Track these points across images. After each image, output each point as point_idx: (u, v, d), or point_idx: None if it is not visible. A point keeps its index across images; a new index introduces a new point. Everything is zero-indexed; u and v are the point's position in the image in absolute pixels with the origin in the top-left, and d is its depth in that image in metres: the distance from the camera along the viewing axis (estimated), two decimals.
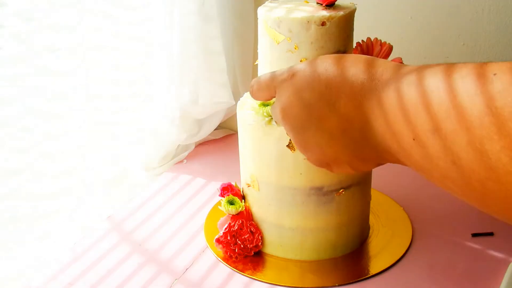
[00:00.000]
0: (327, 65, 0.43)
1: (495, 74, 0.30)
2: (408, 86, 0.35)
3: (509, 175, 0.28)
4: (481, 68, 0.31)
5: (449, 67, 0.34)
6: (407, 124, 0.35)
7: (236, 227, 0.67)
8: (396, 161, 0.39)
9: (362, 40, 0.60)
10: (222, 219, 0.70)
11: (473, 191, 0.31)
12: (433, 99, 0.33)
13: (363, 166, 0.44)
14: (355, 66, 0.41)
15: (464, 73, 0.32)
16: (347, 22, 0.59)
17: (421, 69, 0.36)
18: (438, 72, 0.34)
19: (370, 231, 0.73)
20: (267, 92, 0.50)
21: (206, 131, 0.96)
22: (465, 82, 0.31)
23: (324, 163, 0.47)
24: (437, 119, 0.32)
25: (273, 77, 0.49)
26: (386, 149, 0.38)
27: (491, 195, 0.30)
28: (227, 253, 0.68)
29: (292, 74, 0.46)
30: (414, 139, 0.34)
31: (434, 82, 0.33)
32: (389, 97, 0.37)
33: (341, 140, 0.42)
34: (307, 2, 0.63)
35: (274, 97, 0.50)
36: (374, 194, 0.73)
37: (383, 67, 0.40)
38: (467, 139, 0.30)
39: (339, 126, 0.41)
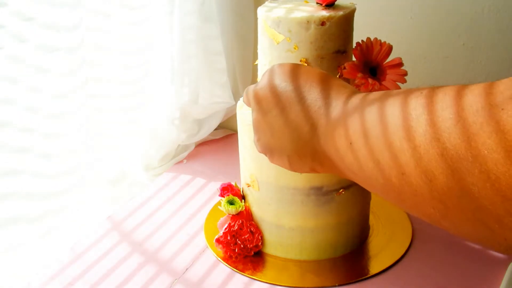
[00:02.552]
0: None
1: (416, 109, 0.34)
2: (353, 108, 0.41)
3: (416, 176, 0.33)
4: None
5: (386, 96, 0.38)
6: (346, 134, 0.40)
7: (236, 227, 0.67)
8: (330, 165, 0.43)
9: (362, 40, 0.60)
10: (222, 219, 0.70)
11: (391, 189, 0.36)
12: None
13: (299, 164, 0.47)
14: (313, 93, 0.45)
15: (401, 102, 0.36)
16: (347, 22, 0.59)
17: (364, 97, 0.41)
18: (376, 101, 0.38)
19: (370, 231, 0.73)
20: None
21: (206, 131, 0.96)
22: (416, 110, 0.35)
23: (267, 149, 0.49)
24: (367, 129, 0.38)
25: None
26: (326, 151, 0.43)
27: (406, 191, 0.34)
28: (227, 253, 0.68)
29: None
30: (351, 143, 0.39)
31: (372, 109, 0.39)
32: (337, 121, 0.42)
33: (293, 132, 0.45)
34: (307, 2, 0.63)
35: None
36: (374, 194, 0.73)
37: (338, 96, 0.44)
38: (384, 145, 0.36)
39: (296, 119, 0.45)
